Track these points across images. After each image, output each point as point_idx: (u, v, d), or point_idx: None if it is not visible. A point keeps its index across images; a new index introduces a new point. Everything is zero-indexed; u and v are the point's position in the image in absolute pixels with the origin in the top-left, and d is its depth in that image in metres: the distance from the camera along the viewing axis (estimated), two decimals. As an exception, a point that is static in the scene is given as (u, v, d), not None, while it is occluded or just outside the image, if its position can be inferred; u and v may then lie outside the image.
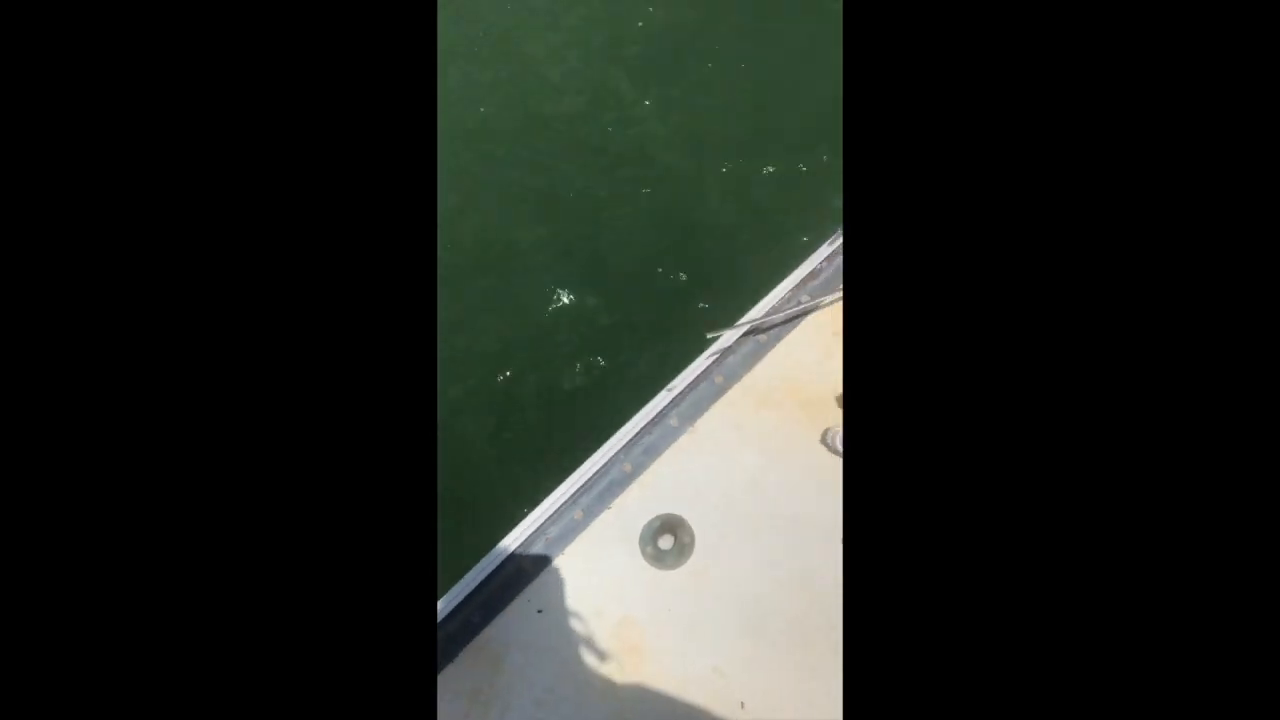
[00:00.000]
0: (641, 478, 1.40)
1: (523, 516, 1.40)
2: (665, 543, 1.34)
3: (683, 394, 1.48)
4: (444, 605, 1.30)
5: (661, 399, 1.49)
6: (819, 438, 1.40)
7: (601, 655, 1.28)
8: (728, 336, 1.55)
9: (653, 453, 1.42)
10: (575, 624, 1.30)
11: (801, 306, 1.54)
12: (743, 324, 1.55)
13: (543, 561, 1.35)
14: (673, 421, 1.45)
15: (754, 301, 1.62)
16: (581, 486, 1.40)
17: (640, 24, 3.36)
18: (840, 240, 1.64)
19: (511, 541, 1.36)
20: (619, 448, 1.42)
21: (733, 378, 1.50)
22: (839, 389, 1.44)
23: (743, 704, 1.22)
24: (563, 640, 1.29)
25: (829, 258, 1.61)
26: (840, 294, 1.55)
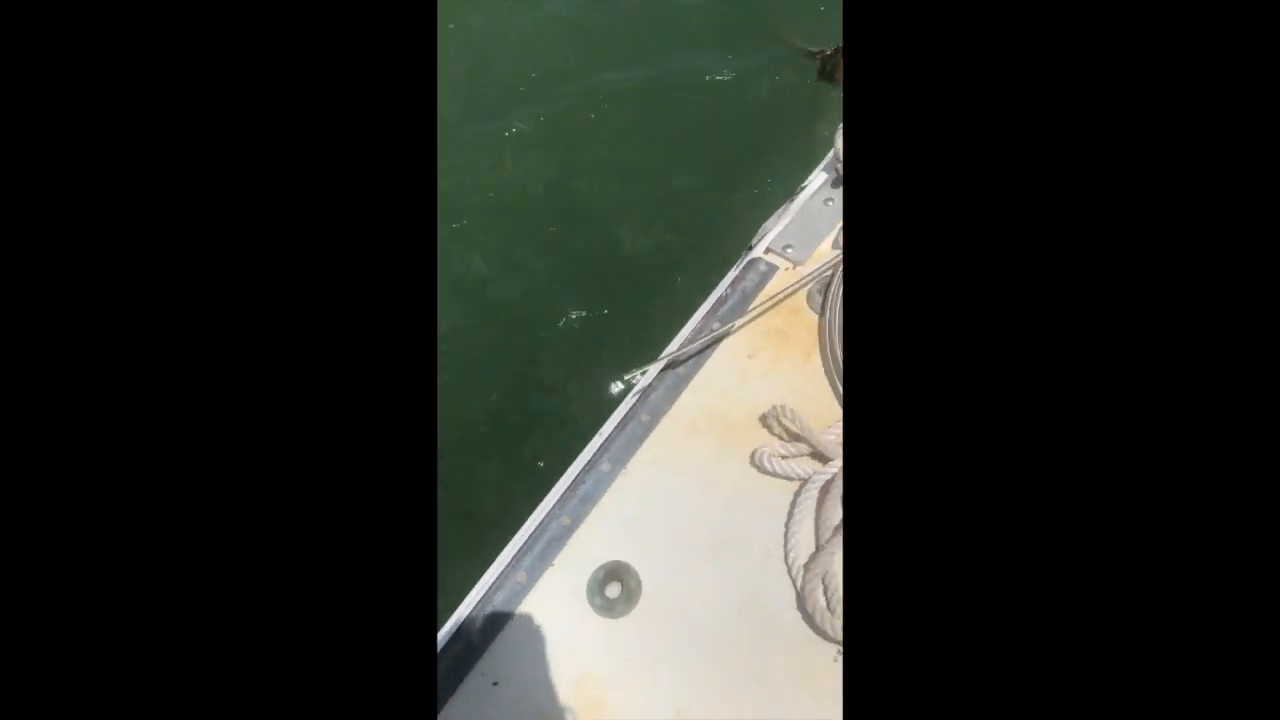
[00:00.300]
0: (581, 529, 1.39)
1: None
2: (613, 591, 1.33)
3: (611, 437, 1.48)
4: None
5: (592, 445, 1.48)
6: (748, 460, 1.41)
7: (564, 719, 1.24)
8: (649, 373, 1.56)
9: (589, 501, 1.41)
10: (533, 691, 1.27)
11: (714, 334, 1.56)
12: (661, 359, 1.56)
13: (491, 632, 1.31)
14: (605, 466, 1.44)
15: (670, 336, 1.64)
16: (521, 548, 1.38)
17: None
18: (743, 265, 1.68)
19: (457, 617, 1.33)
20: (554, 502, 1.41)
21: (658, 413, 1.50)
22: (759, 409, 1.46)
23: None
24: (522, 710, 1.25)
25: (733, 283, 1.64)
26: (749, 316, 1.58)
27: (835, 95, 3.35)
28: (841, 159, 1.75)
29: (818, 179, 1.79)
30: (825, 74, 3.52)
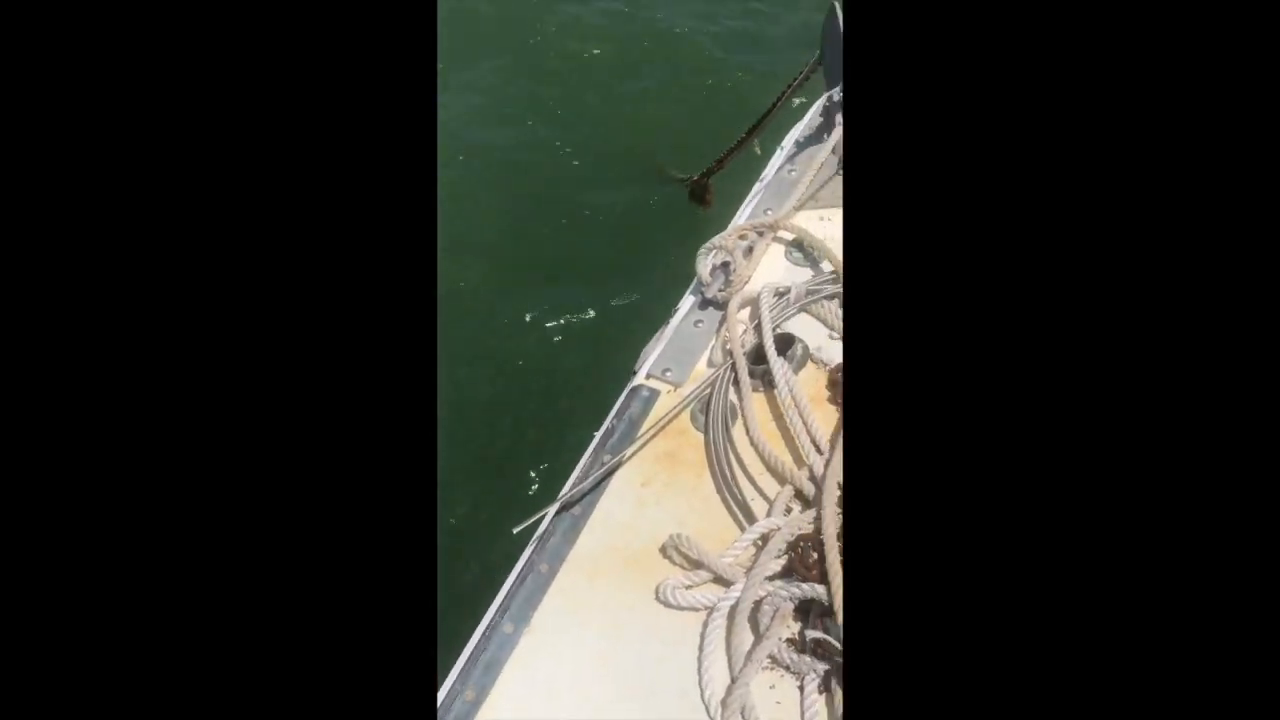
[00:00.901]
0: (488, 702, 1.29)
1: None
2: (527, 765, 1.23)
3: (511, 593, 1.41)
4: None
5: (492, 606, 1.41)
6: (653, 595, 1.37)
7: None
8: (545, 518, 1.52)
9: (493, 669, 1.33)
10: None
11: (606, 467, 1.55)
12: (555, 502, 1.53)
13: None
14: (507, 628, 1.37)
15: (564, 478, 1.61)
16: None
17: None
18: (626, 394, 1.70)
19: None
20: (455, 676, 1.32)
21: (558, 559, 1.45)
22: (659, 539, 1.43)
23: None
24: None
25: (619, 413, 1.64)
26: (638, 444, 1.57)
27: (702, 218, 3.55)
28: (705, 283, 1.82)
29: (687, 302, 1.85)
30: (695, 196, 3.74)
